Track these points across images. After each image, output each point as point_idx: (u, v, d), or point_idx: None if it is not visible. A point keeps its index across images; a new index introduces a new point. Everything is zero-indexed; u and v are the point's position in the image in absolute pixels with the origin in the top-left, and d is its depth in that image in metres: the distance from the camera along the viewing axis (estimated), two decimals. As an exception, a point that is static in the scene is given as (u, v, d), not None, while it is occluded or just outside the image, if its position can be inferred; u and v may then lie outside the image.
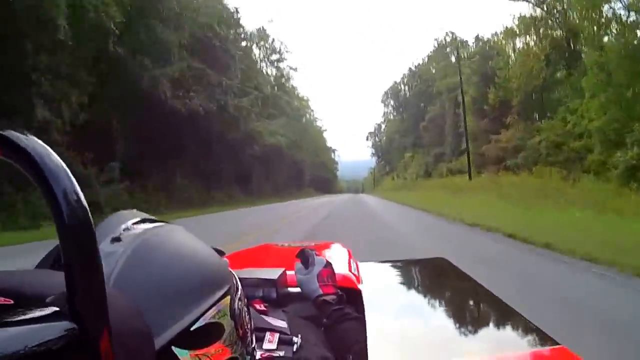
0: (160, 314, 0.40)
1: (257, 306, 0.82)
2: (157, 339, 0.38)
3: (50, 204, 0.29)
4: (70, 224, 0.29)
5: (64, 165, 0.30)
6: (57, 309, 0.30)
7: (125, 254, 0.42)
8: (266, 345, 0.68)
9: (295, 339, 0.71)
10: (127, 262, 0.42)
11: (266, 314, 0.80)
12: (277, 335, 0.71)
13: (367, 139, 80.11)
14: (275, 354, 0.68)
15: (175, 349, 0.40)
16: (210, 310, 0.45)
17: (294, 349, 0.69)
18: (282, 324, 0.77)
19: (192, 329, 0.42)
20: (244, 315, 0.52)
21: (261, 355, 0.65)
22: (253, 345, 0.56)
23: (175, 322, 0.41)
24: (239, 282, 0.55)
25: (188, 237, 0.51)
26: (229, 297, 0.48)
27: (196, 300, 0.44)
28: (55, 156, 0.30)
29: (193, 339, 0.42)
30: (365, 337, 0.74)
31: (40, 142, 0.30)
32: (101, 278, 0.30)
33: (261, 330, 0.70)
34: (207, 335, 0.44)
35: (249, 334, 0.53)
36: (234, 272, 0.55)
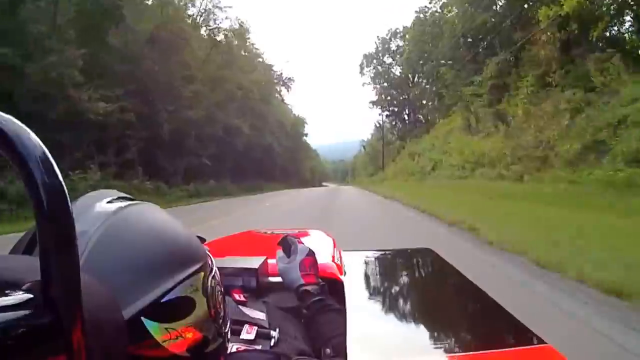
0: (130, 286, 0.41)
1: (237, 296, 0.81)
2: (126, 310, 0.39)
3: (28, 188, 0.28)
4: (48, 209, 0.28)
5: (43, 146, 0.29)
6: (32, 296, 0.29)
7: (97, 233, 0.42)
8: (243, 336, 0.67)
9: (273, 333, 0.70)
10: (99, 239, 0.42)
11: (245, 305, 0.78)
12: (255, 327, 0.70)
13: (360, 71, 46.01)
14: (252, 347, 0.66)
15: (145, 320, 0.40)
16: (182, 285, 0.45)
17: (272, 343, 0.68)
18: (260, 315, 0.75)
19: (162, 301, 0.42)
20: (217, 294, 0.52)
21: (237, 349, 0.63)
22: (226, 330, 0.55)
23: (145, 294, 0.41)
24: (214, 263, 0.55)
25: (163, 215, 0.51)
26: (202, 274, 0.49)
27: (167, 274, 0.44)
28: (34, 137, 0.29)
29: (164, 311, 0.42)
30: (345, 329, 0.73)
31: (18, 122, 0.29)
32: (77, 266, 0.30)
33: (239, 323, 0.69)
34: (178, 308, 0.44)
35: (222, 316, 0.53)
36: (210, 255, 0.55)
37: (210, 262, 0.53)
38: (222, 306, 0.54)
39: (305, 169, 64.63)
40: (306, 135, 62.67)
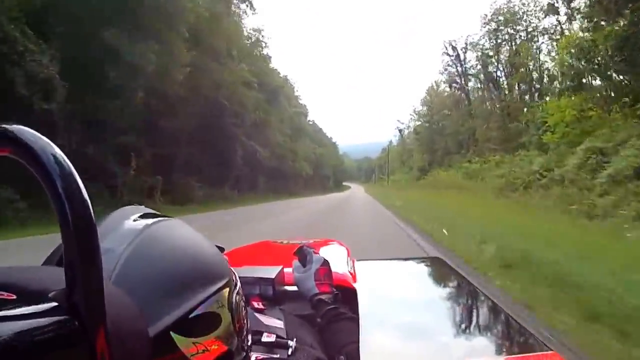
0: (160, 302, 0.42)
1: (255, 304, 0.82)
2: (155, 325, 0.40)
3: (53, 200, 0.29)
4: (72, 221, 0.29)
5: (68, 161, 0.30)
6: (57, 304, 0.30)
7: (127, 250, 0.43)
8: (262, 348, 0.69)
9: (290, 342, 0.71)
10: (128, 258, 0.43)
11: (263, 312, 0.80)
12: (273, 336, 0.71)
13: None
14: (270, 357, 0.68)
15: (174, 335, 0.41)
16: (209, 300, 0.46)
17: (289, 352, 0.69)
18: (278, 324, 0.77)
19: (190, 316, 0.43)
20: (241, 309, 0.54)
21: (257, 358, 0.65)
22: (249, 343, 0.57)
23: (173, 309, 0.42)
24: (237, 278, 0.56)
25: (189, 232, 0.52)
26: (227, 290, 0.50)
27: (195, 290, 0.45)
28: (59, 152, 0.30)
29: (191, 326, 0.43)
30: (358, 337, 0.75)
31: (43, 138, 0.30)
32: (100, 275, 0.31)
33: (258, 333, 0.70)
34: (205, 324, 0.45)
35: (245, 329, 0.54)
36: (233, 269, 0.56)
37: (234, 278, 0.54)
38: (245, 320, 0.55)
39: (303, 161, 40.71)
40: (305, 116, 41.86)
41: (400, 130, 45.48)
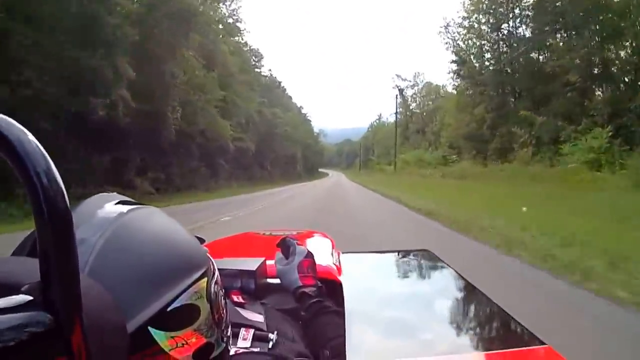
0: (136, 296, 0.40)
1: (235, 298, 0.81)
2: (133, 320, 0.38)
3: (27, 189, 0.28)
4: (47, 210, 0.28)
5: (42, 149, 0.30)
6: (31, 298, 0.29)
7: (102, 239, 0.42)
8: (241, 343, 0.67)
9: (271, 335, 0.69)
10: (103, 247, 0.41)
11: (244, 307, 0.78)
12: (252, 330, 0.70)
13: None
14: (250, 350, 0.66)
15: (151, 330, 0.40)
16: (187, 292, 0.45)
17: (270, 346, 0.68)
18: (259, 318, 0.75)
19: (168, 309, 0.42)
20: (220, 299, 0.52)
21: (235, 351, 0.63)
22: (228, 334, 0.55)
23: (151, 303, 0.41)
24: (215, 266, 0.55)
25: (165, 220, 0.51)
26: (205, 280, 0.48)
27: (172, 282, 0.44)
28: (33, 139, 0.29)
29: (169, 320, 0.42)
30: (344, 331, 0.73)
31: (17, 124, 0.29)
32: (76, 268, 0.30)
33: (237, 326, 0.69)
34: (184, 317, 0.44)
35: (224, 320, 0.53)
36: (211, 259, 0.54)
37: (212, 266, 0.52)
38: (224, 311, 0.54)
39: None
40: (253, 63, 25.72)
41: (401, 90, 28.18)
